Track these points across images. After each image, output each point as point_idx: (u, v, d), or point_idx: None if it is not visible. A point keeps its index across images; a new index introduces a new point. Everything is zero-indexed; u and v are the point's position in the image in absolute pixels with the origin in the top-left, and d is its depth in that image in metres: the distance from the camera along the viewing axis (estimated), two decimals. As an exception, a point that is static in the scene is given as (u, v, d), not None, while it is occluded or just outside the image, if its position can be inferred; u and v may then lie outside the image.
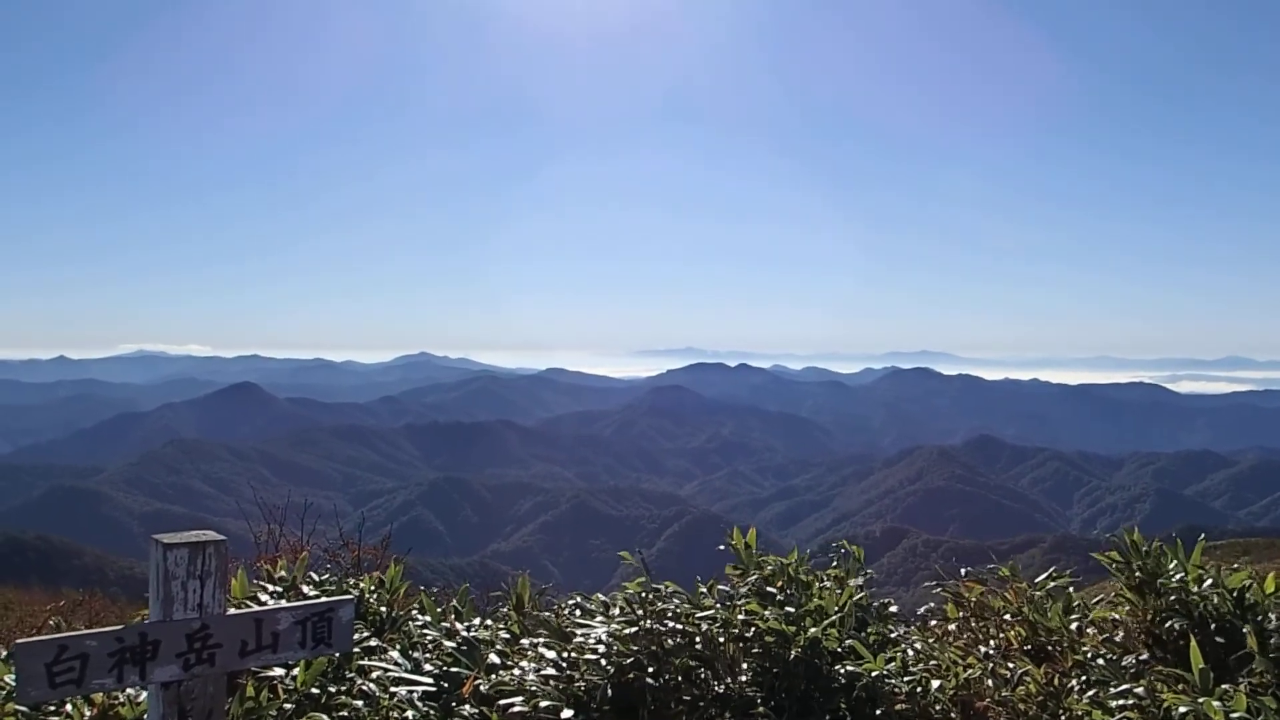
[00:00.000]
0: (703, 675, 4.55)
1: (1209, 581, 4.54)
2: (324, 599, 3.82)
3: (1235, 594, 4.42)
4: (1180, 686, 3.90)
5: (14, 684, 4.20)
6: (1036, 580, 4.96)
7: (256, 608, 3.58)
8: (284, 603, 4.36)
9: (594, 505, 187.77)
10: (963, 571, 5.31)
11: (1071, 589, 5.05)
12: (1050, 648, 4.54)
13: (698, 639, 4.52)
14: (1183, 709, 3.61)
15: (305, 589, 5.46)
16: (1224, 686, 3.78)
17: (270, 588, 5.25)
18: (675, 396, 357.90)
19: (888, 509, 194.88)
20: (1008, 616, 4.80)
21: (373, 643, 4.88)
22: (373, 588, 5.61)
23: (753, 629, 4.53)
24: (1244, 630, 4.22)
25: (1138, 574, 4.71)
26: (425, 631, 5.08)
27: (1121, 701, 3.98)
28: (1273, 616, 4.37)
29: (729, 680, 4.49)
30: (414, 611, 5.51)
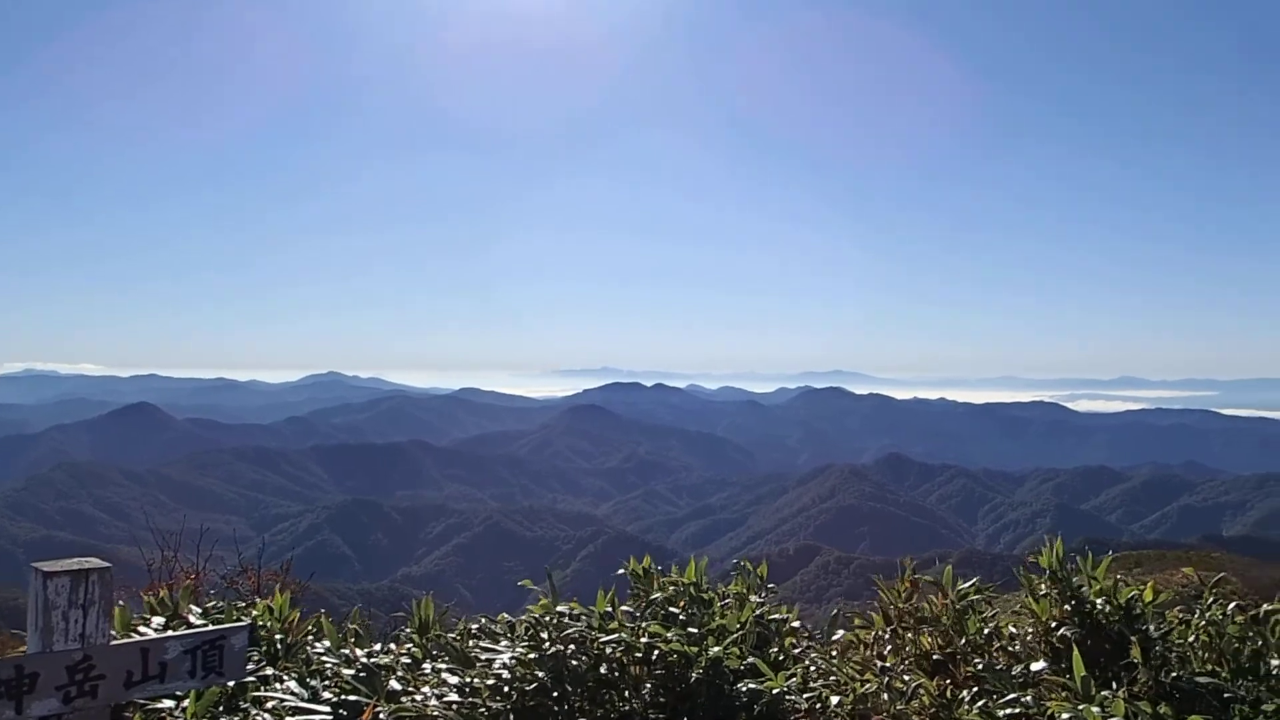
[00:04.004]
0: (608, 695, 4.55)
1: (1096, 588, 4.75)
2: (214, 627, 3.71)
3: (1124, 604, 4.64)
4: (1064, 694, 4.05)
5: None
6: (960, 589, 5.12)
7: (141, 636, 3.46)
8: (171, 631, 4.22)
9: (508, 527, 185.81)
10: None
11: (986, 601, 5.23)
12: (957, 656, 4.68)
13: (602, 663, 4.53)
14: (1065, 716, 3.76)
15: (191, 617, 5.29)
16: (1104, 693, 3.95)
17: (154, 620, 5.06)
18: (592, 416, 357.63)
19: (801, 526, 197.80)
20: (925, 627, 4.95)
21: (268, 671, 4.75)
22: (265, 614, 5.45)
23: (655, 651, 4.56)
24: (1131, 639, 4.42)
25: (1043, 585, 4.91)
26: (324, 659, 4.96)
27: (1010, 710, 4.12)
28: (1151, 626, 4.59)
29: (634, 701, 4.51)
30: (312, 638, 5.38)
